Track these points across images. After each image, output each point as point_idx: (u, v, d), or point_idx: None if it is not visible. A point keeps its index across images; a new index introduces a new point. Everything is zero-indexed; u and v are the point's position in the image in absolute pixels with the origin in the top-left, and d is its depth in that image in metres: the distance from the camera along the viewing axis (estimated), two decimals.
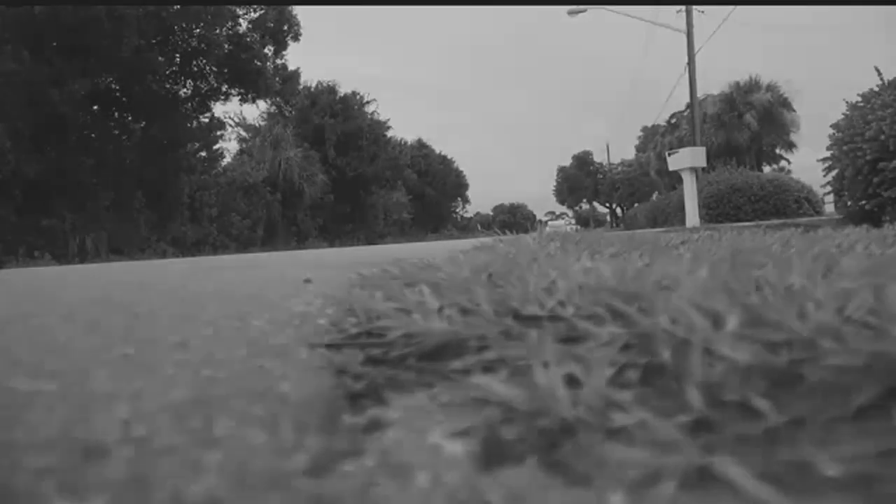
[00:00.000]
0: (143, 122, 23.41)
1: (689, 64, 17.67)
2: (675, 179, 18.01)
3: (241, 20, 24.77)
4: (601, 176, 57.71)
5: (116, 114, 23.42)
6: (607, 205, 58.37)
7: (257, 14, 25.15)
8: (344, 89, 38.58)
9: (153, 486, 0.50)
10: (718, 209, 15.89)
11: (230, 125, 32.58)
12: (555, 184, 63.36)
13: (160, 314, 1.74)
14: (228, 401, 0.73)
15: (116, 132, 23.25)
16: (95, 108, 22.20)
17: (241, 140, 35.56)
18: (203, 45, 23.29)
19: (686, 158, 14.77)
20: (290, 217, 32.91)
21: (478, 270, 1.51)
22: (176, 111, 24.02)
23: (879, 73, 6.40)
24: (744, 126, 27.79)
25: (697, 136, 17.20)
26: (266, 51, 25.81)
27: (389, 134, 40.84)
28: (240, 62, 24.33)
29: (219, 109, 32.11)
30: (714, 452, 0.48)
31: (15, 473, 0.54)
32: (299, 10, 26.37)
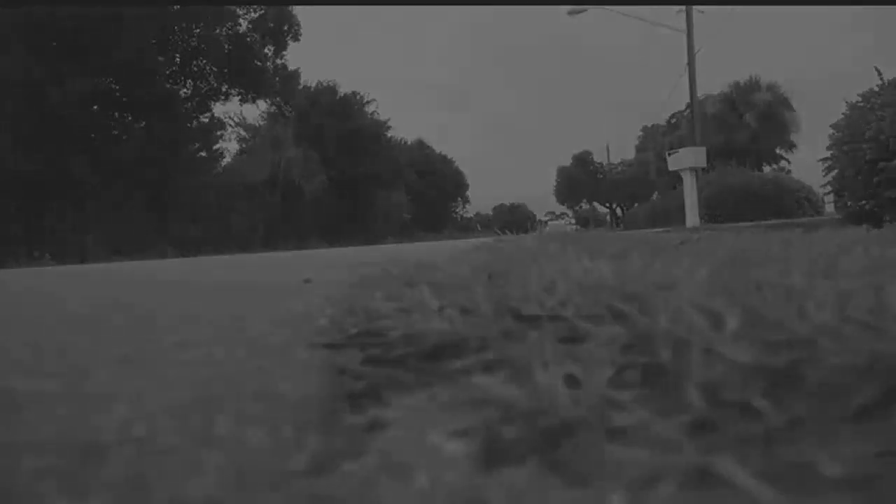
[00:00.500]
0: (144, 122, 23.44)
1: (689, 64, 17.66)
2: (675, 179, 17.99)
3: (241, 20, 24.83)
4: (601, 176, 57.63)
5: (116, 114, 23.43)
6: (607, 205, 58.31)
7: (257, 14, 25.19)
8: (344, 89, 38.65)
9: (153, 485, 0.50)
10: (718, 209, 15.87)
11: (230, 125, 32.68)
12: (555, 184, 63.28)
13: (160, 314, 1.74)
14: (228, 400, 0.73)
15: (116, 132, 23.27)
16: (95, 108, 22.22)
17: (241, 140, 35.62)
18: (203, 45, 23.34)
19: (686, 158, 14.75)
20: (290, 217, 32.90)
21: (478, 270, 1.51)
22: (176, 111, 24.05)
23: (879, 73, 6.40)
24: (744, 126, 27.76)
25: (697, 136, 17.17)
26: (266, 51, 25.89)
27: (389, 134, 40.92)
28: (240, 62, 24.39)
29: (219, 109, 32.20)
30: (714, 452, 0.48)
31: (15, 473, 0.54)
32: (299, 10, 26.42)
